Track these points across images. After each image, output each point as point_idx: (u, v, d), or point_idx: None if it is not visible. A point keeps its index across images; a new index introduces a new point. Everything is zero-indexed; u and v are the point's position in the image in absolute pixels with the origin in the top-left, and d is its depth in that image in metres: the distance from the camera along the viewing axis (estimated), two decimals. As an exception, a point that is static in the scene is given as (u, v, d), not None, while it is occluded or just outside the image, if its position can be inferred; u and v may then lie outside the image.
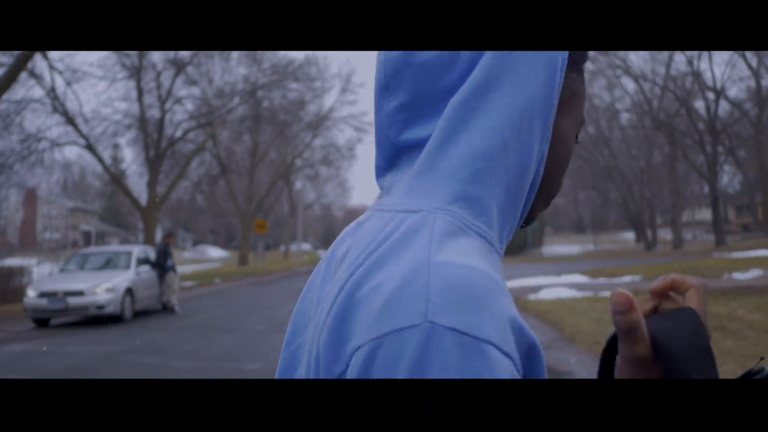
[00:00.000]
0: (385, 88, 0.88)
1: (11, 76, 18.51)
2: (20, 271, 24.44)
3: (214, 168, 41.88)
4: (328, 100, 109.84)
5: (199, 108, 34.54)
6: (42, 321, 15.53)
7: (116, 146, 61.42)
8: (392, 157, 0.89)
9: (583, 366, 8.64)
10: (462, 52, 0.84)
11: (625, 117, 52.15)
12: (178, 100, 33.21)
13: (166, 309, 17.87)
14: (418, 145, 0.85)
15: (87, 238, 79.76)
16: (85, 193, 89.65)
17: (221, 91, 35.50)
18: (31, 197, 73.60)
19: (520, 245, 54.84)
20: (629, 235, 72.25)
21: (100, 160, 30.21)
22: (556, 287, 20.23)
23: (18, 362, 10.78)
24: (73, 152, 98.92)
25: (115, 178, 32.24)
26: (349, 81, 47.21)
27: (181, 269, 43.43)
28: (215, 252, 71.48)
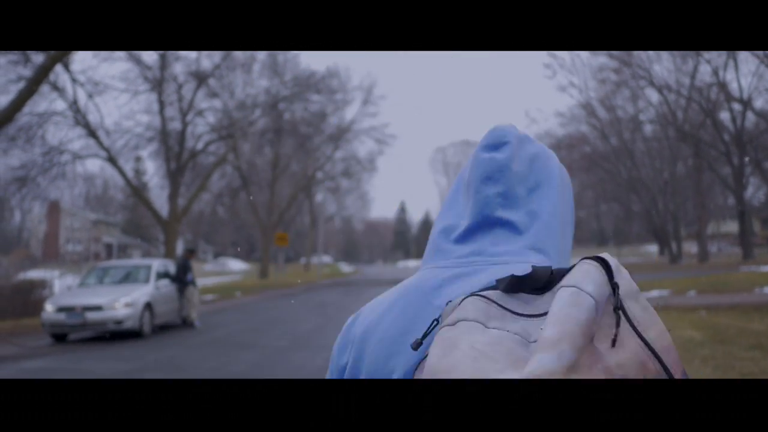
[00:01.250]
0: (488, 178, 1.24)
1: (32, 89, 18.38)
2: (41, 284, 24.30)
3: (235, 180, 41.80)
4: (350, 113, 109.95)
5: (220, 120, 34.46)
6: (60, 336, 15.30)
7: (139, 159, 61.56)
8: (480, 227, 1.23)
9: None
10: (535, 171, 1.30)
11: (648, 128, 51.55)
12: (200, 113, 33.17)
13: (186, 324, 17.62)
14: (507, 222, 1.22)
15: (109, 251, 79.97)
16: (108, 206, 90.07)
17: (242, 104, 35.42)
18: (54, 210, 74.03)
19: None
20: (652, 248, 71.49)
21: (122, 172, 30.15)
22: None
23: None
24: (95, 165, 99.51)
25: (136, 190, 32.13)
26: (370, 93, 47.05)
27: (202, 282, 43.33)
28: (236, 264, 71.39)
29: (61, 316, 14.84)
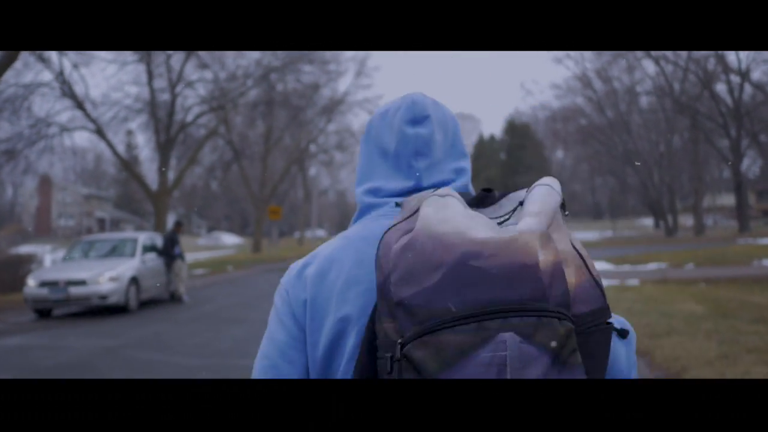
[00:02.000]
0: (417, 153, 1.43)
1: (11, 58, 17.70)
2: (30, 259, 23.86)
3: (227, 154, 41.22)
4: (343, 84, 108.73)
5: (211, 92, 33.77)
6: (44, 312, 14.88)
7: (130, 132, 60.85)
8: (413, 193, 1.39)
9: (638, 368, 7.87)
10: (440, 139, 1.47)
11: (645, 100, 51.07)
12: (189, 84, 32.45)
13: (174, 298, 17.20)
14: (435, 186, 1.41)
15: (102, 225, 79.50)
16: (100, 180, 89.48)
17: (233, 75, 34.72)
18: (45, 184, 73.51)
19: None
20: (648, 221, 71.28)
21: (110, 145, 29.54)
22: (579, 275, 19.42)
23: (9, 358, 10.10)
24: (86, 139, 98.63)
25: (126, 163, 31.60)
26: (364, 64, 46.16)
27: (195, 256, 42.98)
28: (229, 239, 70.99)
29: (44, 291, 14.40)
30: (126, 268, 15.38)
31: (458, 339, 1.02)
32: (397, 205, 1.31)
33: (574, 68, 72.68)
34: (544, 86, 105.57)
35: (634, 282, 17.29)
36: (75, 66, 26.49)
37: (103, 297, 14.51)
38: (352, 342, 1.29)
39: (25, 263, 22.49)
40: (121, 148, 65.14)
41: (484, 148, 73.27)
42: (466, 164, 1.51)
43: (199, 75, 33.42)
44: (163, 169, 31.06)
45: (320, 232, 70.60)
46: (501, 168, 63.61)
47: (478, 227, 1.08)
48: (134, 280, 15.41)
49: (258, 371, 1.37)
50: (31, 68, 26.83)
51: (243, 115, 39.63)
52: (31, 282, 14.67)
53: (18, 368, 9.06)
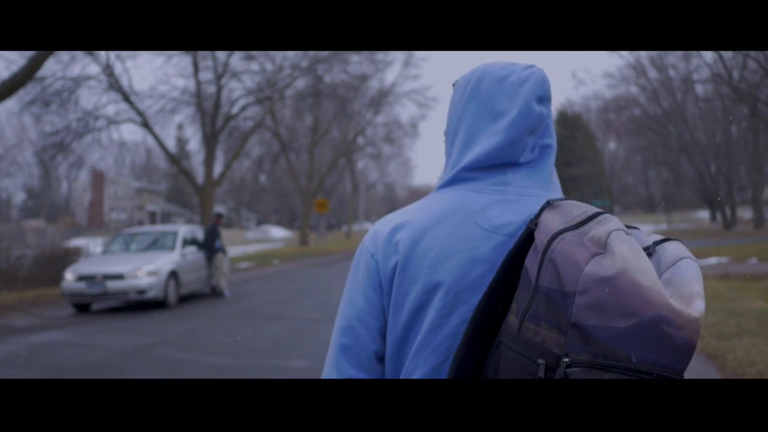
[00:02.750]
0: (532, 131, 1.47)
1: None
2: (76, 252, 23.70)
3: (274, 146, 40.91)
4: (390, 75, 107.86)
5: (258, 84, 33.39)
6: (82, 306, 14.53)
7: (181, 126, 61.20)
8: (506, 163, 1.46)
9: (707, 373, 7.11)
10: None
11: (701, 89, 49.36)
12: (235, 75, 32.10)
13: (215, 293, 16.78)
14: (526, 163, 1.48)
15: (153, 218, 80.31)
16: (152, 174, 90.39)
17: (280, 66, 34.30)
18: (98, 178, 74.70)
19: (588, 224, 52.83)
20: (703, 214, 69.36)
21: (157, 137, 29.37)
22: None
23: (34, 357, 9.68)
24: (138, 133, 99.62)
25: (172, 156, 31.28)
26: (411, 55, 45.47)
27: (244, 249, 42.80)
28: (278, 232, 70.90)
29: (81, 285, 14.02)
30: (165, 262, 14.93)
31: None
32: (548, 203, 1.29)
33: (628, 56, 70.93)
34: (597, 75, 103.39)
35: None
36: (117, 56, 26.24)
37: (141, 292, 14.09)
38: (434, 314, 1.36)
39: (72, 256, 22.28)
40: (171, 143, 65.66)
41: (535, 139, 71.97)
42: (553, 141, 1.54)
43: (245, 66, 33.11)
44: (209, 161, 30.78)
45: (368, 226, 70.20)
46: (552, 159, 62.35)
47: (659, 285, 1.11)
48: (173, 275, 14.95)
49: (336, 331, 1.45)
50: (78, 61, 26.83)
51: (290, 107, 39.24)
52: (69, 276, 14.30)
53: (40, 369, 8.61)
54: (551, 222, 1.22)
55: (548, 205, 1.28)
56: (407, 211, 1.48)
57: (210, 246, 16.69)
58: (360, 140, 49.88)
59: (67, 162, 31.76)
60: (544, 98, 1.48)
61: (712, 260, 21.72)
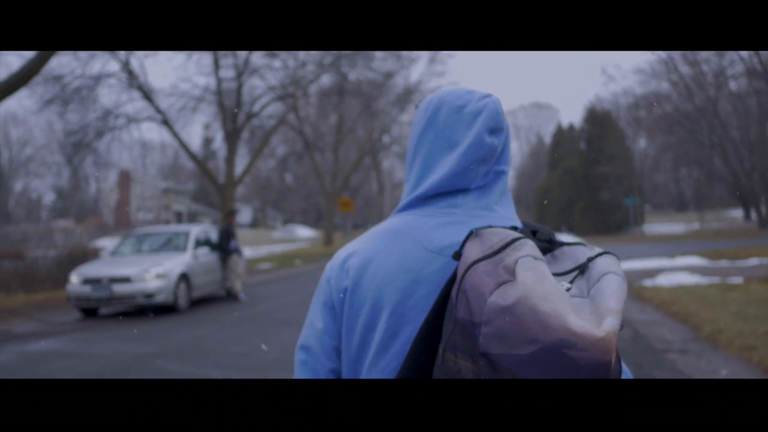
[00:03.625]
0: (482, 161, 1.52)
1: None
2: (96, 253, 23.10)
3: (298, 145, 40.28)
4: (416, 72, 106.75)
5: (281, 80, 32.69)
6: (89, 311, 13.84)
7: (208, 126, 60.80)
8: (458, 189, 1.52)
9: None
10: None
11: (735, 84, 47.94)
12: (256, 71, 31.39)
13: (230, 296, 16.03)
14: (477, 188, 1.52)
15: (179, 218, 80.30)
16: (179, 174, 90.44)
17: (302, 62, 33.57)
18: (125, 179, 74.95)
19: (619, 224, 51.57)
20: (737, 213, 67.80)
21: (177, 136, 28.81)
22: (673, 272, 17.47)
23: (24, 367, 8.94)
24: (165, 134, 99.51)
25: (192, 154, 30.71)
26: (437, 51, 44.54)
27: (269, 249, 42.22)
28: (304, 231, 70.37)
29: (87, 289, 13.32)
30: (175, 264, 14.18)
31: None
32: (471, 233, 1.31)
33: (660, 52, 69.55)
34: (627, 71, 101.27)
35: (737, 280, 15.30)
36: (130, 52, 25.66)
37: (149, 296, 13.35)
38: (381, 335, 1.42)
39: (91, 257, 21.66)
40: (197, 142, 65.34)
41: (563, 137, 70.67)
42: (507, 168, 1.59)
43: (267, 63, 32.42)
44: (229, 159, 30.14)
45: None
46: (580, 158, 60.89)
47: (571, 312, 1.13)
48: (184, 277, 14.20)
49: (297, 347, 1.53)
50: (97, 58, 26.38)
51: (314, 105, 38.57)
52: (74, 279, 13.60)
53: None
54: (470, 252, 1.25)
55: (471, 234, 1.30)
56: (362, 238, 1.55)
57: (224, 247, 15.92)
58: (385, 139, 49.06)
59: (88, 161, 31.35)
60: (495, 129, 1.54)
61: (753, 261, 20.61)
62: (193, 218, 77.48)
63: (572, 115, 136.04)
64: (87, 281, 13.37)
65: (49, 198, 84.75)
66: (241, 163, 36.21)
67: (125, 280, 13.32)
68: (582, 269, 1.27)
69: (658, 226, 58.55)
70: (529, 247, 1.23)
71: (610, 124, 62.25)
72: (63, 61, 25.87)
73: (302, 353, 1.52)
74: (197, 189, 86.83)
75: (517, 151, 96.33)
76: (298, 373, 1.51)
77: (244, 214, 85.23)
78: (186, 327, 11.93)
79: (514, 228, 1.32)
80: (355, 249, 1.52)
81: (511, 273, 1.17)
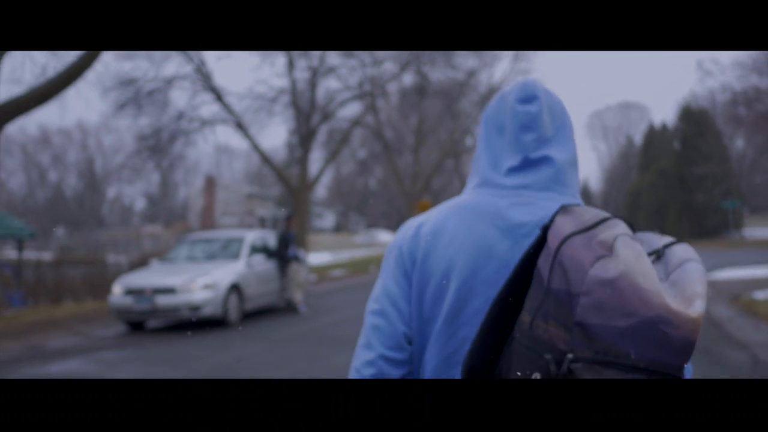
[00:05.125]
0: (525, 127, 1.59)
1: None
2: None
3: (377, 147, 39.16)
4: (499, 70, 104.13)
5: (359, 80, 31.50)
6: (135, 324, 12.71)
7: (292, 132, 60.43)
8: (522, 165, 1.58)
9: None
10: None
11: None
12: (332, 70, 30.22)
13: (290, 308, 14.69)
14: (540, 160, 1.58)
15: (262, 223, 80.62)
16: (264, 180, 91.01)
17: (380, 61, 32.28)
18: (210, 184, 75.89)
19: (716, 227, 48.55)
20: None
21: (250, 137, 27.98)
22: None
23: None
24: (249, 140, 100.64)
25: (264, 156, 29.82)
26: (520, 51, 42.64)
27: (349, 254, 41.13)
28: (385, 236, 69.27)
29: (128, 300, 12.14)
30: (225, 273, 12.89)
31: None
32: (562, 208, 1.36)
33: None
34: (726, 66, 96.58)
35: None
36: (204, 54, 24.91)
37: (195, 308, 12.09)
38: (450, 304, 1.49)
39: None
40: (281, 147, 64.96)
41: (655, 137, 67.57)
42: (573, 146, 1.66)
43: (343, 62, 31.25)
44: (303, 162, 29.14)
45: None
46: (675, 158, 57.91)
47: (660, 288, 1.17)
48: (235, 288, 12.89)
49: (369, 313, 1.57)
50: (171, 60, 25.86)
51: (394, 106, 37.42)
52: (116, 289, 12.44)
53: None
54: (563, 226, 1.29)
55: (562, 209, 1.35)
56: (435, 210, 1.62)
57: (282, 254, 14.57)
58: (468, 141, 47.42)
59: (177, 167, 30.96)
60: (526, 99, 1.62)
61: None
62: (276, 223, 77.46)
63: (664, 114, 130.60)
64: (129, 292, 12.21)
65: (140, 204, 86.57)
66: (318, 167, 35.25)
67: (169, 290, 12.09)
68: (659, 254, 1.30)
69: (759, 230, 55.04)
70: (623, 226, 1.28)
71: (706, 123, 59.08)
72: (136, 64, 25.52)
73: (376, 317, 1.55)
74: (281, 194, 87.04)
75: (605, 152, 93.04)
76: (371, 339, 1.53)
77: (327, 219, 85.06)
78: (230, 346, 10.63)
79: None
80: (427, 218, 1.60)
81: (608, 249, 1.21)
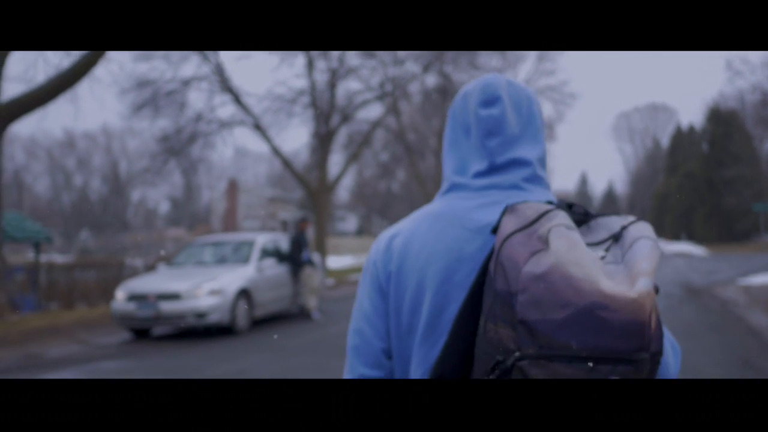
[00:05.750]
0: (489, 133, 1.55)
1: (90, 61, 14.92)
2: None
3: (398, 150, 38.60)
4: (523, 71, 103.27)
5: (380, 80, 30.91)
6: (140, 331, 12.16)
7: (313, 135, 60.08)
8: (489, 169, 1.54)
9: None
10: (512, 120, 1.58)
11: None
12: (352, 71, 29.65)
13: (303, 314, 14.08)
14: (508, 163, 1.54)
15: (284, 226, 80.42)
16: (286, 183, 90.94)
17: (401, 60, 31.65)
18: (233, 187, 75.95)
19: (747, 231, 47.44)
20: None
21: (268, 140, 27.53)
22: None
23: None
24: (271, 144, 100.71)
25: (284, 159, 29.34)
26: (545, 51, 41.82)
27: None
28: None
29: (131, 306, 11.58)
30: (233, 278, 12.29)
31: (570, 372, 1.15)
32: (507, 208, 1.35)
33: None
34: (756, 65, 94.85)
35: None
36: (221, 54, 24.46)
37: (201, 315, 11.49)
38: (428, 313, 1.45)
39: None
40: (305, 150, 64.59)
41: (682, 139, 66.49)
42: (541, 140, 1.62)
43: (363, 62, 30.67)
44: (322, 164, 28.61)
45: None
46: (702, 160, 56.85)
47: (603, 277, 1.17)
48: (244, 293, 12.28)
49: (348, 334, 1.56)
50: (188, 61, 25.49)
51: (416, 109, 36.91)
52: (119, 295, 11.89)
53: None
54: (506, 225, 1.30)
55: (507, 209, 1.34)
56: (406, 220, 1.58)
57: (295, 258, 13.95)
58: (492, 142, 46.84)
59: (200, 170, 30.65)
60: (488, 101, 1.57)
61: None
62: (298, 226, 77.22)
63: (692, 116, 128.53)
64: (132, 297, 11.65)
65: (164, 207, 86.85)
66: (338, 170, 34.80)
67: (174, 296, 11.51)
68: (616, 237, 1.31)
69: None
70: (561, 216, 1.28)
71: (735, 124, 57.90)
72: (153, 65, 25.21)
73: (354, 337, 1.53)
74: (303, 197, 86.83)
75: (632, 155, 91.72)
76: (351, 360, 1.52)
77: (349, 222, 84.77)
78: (236, 356, 10.02)
79: (549, 203, 1.34)
80: (398, 231, 1.56)
81: (544, 242, 1.21)
